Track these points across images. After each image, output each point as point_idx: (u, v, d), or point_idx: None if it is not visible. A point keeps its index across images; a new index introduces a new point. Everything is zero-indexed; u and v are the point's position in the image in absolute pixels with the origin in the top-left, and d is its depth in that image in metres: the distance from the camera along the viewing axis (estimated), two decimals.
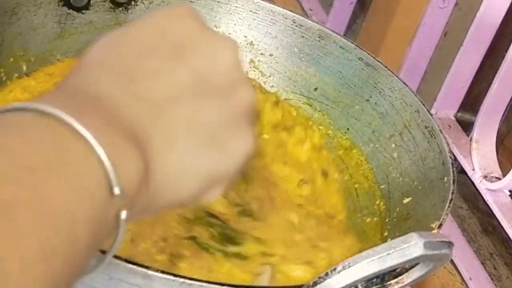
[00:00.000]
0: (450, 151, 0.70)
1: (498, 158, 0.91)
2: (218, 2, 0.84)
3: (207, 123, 0.42)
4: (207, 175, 0.42)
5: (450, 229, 0.93)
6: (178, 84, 0.42)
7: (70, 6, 0.78)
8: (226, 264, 0.63)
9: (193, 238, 0.64)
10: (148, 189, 0.39)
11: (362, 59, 0.80)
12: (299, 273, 0.64)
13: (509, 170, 0.84)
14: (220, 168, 0.43)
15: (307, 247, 0.67)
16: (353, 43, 0.81)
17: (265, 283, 0.63)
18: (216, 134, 0.42)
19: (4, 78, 0.74)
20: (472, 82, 0.97)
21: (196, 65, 0.42)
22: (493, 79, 0.89)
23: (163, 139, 0.40)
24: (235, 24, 0.84)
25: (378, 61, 0.80)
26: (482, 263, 0.91)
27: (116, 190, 0.36)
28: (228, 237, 0.66)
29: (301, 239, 0.68)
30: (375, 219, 0.73)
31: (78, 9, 0.79)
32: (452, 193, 0.65)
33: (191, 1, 0.83)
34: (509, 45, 0.87)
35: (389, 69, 0.79)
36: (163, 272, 0.51)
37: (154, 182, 0.40)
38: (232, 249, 0.65)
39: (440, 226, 0.62)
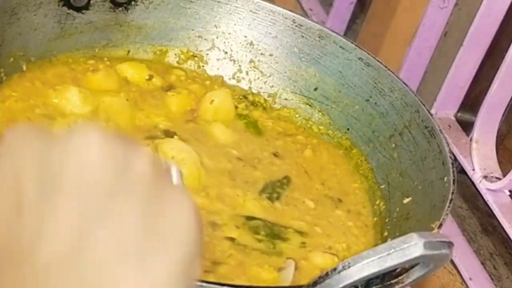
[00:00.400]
0: (450, 151, 0.70)
1: (498, 158, 0.91)
2: (218, 2, 0.84)
3: (132, 237, 0.36)
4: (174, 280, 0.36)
5: (450, 229, 0.93)
6: (73, 227, 0.35)
7: (70, 6, 0.78)
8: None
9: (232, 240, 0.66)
10: None
11: (362, 59, 0.80)
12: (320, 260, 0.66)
13: (509, 170, 0.84)
14: (177, 261, 0.37)
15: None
16: (353, 43, 0.81)
17: (289, 277, 0.63)
18: (147, 236, 0.36)
19: (4, 78, 0.74)
20: (472, 82, 0.97)
21: (70, 190, 0.36)
22: (493, 79, 0.89)
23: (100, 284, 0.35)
24: (235, 24, 0.84)
25: (378, 61, 0.80)
26: (482, 263, 0.91)
27: None
28: (275, 234, 0.67)
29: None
30: (375, 219, 0.73)
31: (78, 9, 0.79)
32: (452, 193, 0.66)
33: (191, 1, 0.83)
34: (509, 45, 0.87)
35: (389, 69, 0.79)
36: None
37: None
38: (282, 245, 0.66)
39: (440, 226, 0.62)
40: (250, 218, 0.69)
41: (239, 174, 0.74)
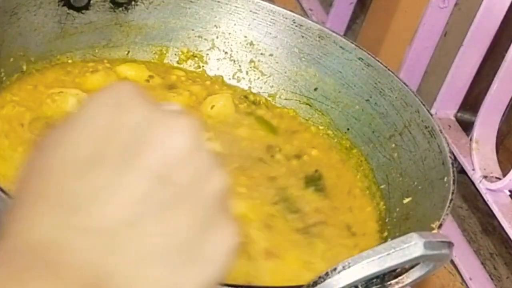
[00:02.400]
0: (450, 151, 0.70)
1: (498, 158, 0.91)
2: (218, 2, 0.84)
3: (177, 240, 0.36)
4: None
5: (450, 229, 0.93)
6: (133, 201, 0.36)
7: (70, 6, 0.78)
8: None
9: None
10: None
11: (362, 59, 0.80)
12: None
13: (509, 170, 0.84)
14: (204, 280, 0.37)
15: None
16: (353, 43, 0.81)
17: None
18: (190, 245, 0.37)
19: (4, 78, 0.74)
20: (472, 82, 0.97)
21: (150, 165, 0.36)
22: (493, 79, 0.89)
23: (128, 274, 0.35)
24: (235, 24, 0.84)
25: (378, 61, 0.80)
26: (482, 263, 0.91)
27: None
28: None
29: None
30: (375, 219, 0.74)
31: (78, 9, 0.79)
32: (452, 193, 0.66)
33: (191, 1, 0.83)
34: (509, 45, 0.87)
35: (389, 69, 0.79)
36: None
37: None
38: None
39: (440, 226, 0.62)
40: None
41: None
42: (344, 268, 0.50)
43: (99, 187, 0.35)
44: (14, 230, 0.35)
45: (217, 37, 0.85)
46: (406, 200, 0.71)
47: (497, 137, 0.92)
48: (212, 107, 0.79)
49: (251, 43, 0.84)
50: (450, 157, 0.69)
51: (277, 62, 0.84)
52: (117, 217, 0.35)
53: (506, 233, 0.84)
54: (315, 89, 0.83)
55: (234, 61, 0.85)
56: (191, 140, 0.37)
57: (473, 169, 0.91)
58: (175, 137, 0.37)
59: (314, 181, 0.75)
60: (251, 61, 0.85)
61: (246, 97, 0.84)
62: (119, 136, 0.37)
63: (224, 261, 0.38)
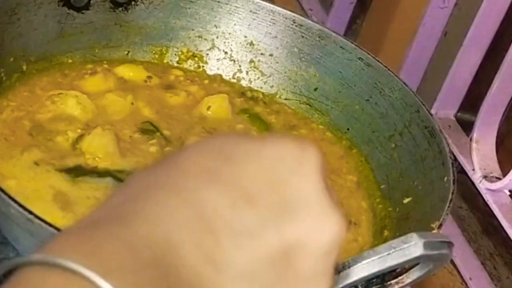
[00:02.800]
0: (450, 151, 0.70)
1: (498, 158, 0.91)
2: (218, 2, 0.84)
3: None
4: None
5: (450, 229, 0.93)
6: (261, 257, 0.34)
7: (70, 6, 0.78)
8: None
9: None
10: None
11: (362, 59, 0.80)
12: None
13: (509, 170, 0.84)
14: None
15: None
16: (353, 43, 0.81)
17: None
18: None
19: (4, 78, 0.74)
20: (472, 82, 0.97)
21: (289, 234, 0.35)
22: (493, 79, 0.89)
23: None
24: (235, 24, 0.84)
25: (378, 61, 0.80)
26: (482, 263, 0.91)
27: None
28: None
29: None
30: (375, 219, 0.73)
31: (78, 9, 0.79)
32: (452, 193, 0.65)
33: (191, 1, 0.83)
34: (509, 45, 0.87)
35: (389, 69, 0.79)
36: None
37: None
38: None
39: (440, 226, 0.62)
40: None
41: None
42: (344, 268, 0.50)
43: (245, 226, 0.34)
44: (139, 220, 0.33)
45: (217, 37, 0.85)
46: (406, 200, 0.71)
47: (497, 137, 0.92)
48: (209, 107, 0.79)
49: (251, 43, 0.84)
50: (450, 157, 0.69)
51: (277, 62, 0.84)
52: (242, 264, 0.34)
53: (506, 233, 0.84)
54: (315, 89, 0.83)
55: (234, 61, 0.85)
56: (332, 241, 0.36)
57: (473, 169, 0.91)
58: (324, 231, 0.36)
59: None
60: (251, 61, 0.85)
61: (243, 94, 0.83)
62: (284, 189, 0.35)
63: None
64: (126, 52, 0.83)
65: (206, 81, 0.84)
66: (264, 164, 0.36)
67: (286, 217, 0.35)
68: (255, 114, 0.81)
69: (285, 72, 0.84)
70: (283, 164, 0.36)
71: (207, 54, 0.85)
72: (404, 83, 0.77)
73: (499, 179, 0.88)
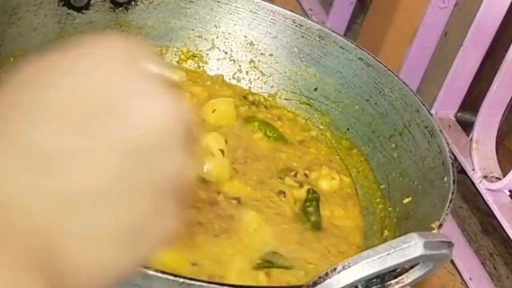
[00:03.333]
0: (450, 151, 0.70)
1: (498, 158, 0.91)
2: (218, 2, 0.84)
3: (131, 222, 0.36)
4: (125, 269, 0.37)
5: (450, 229, 0.93)
6: (103, 174, 0.35)
7: (70, 6, 0.78)
8: None
9: None
10: None
11: (362, 59, 0.80)
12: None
13: (509, 170, 0.84)
14: (137, 261, 0.37)
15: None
16: (353, 43, 0.81)
17: None
18: (141, 229, 0.36)
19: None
20: (472, 82, 0.97)
21: (129, 138, 0.35)
22: (493, 79, 0.89)
23: (76, 247, 0.34)
24: (235, 24, 0.84)
25: (378, 61, 0.80)
26: (482, 263, 0.91)
27: None
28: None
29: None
30: (375, 219, 0.74)
31: (78, 9, 0.79)
32: (452, 193, 0.65)
33: (191, 1, 0.83)
34: (509, 45, 0.87)
35: (389, 69, 0.79)
36: (163, 272, 0.51)
37: None
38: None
39: (440, 226, 0.62)
40: None
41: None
42: (344, 268, 0.50)
43: (74, 150, 0.34)
44: None
45: (217, 37, 0.85)
46: (406, 200, 0.71)
47: (497, 137, 0.92)
48: (214, 111, 0.78)
49: (251, 43, 0.84)
50: (450, 157, 0.69)
51: (277, 62, 0.84)
52: (84, 186, 0.34)
53: (506, 233, 0.84)
54: (315, 89, 0.83)
55: (234, 61, 0.85)
56: (168, 116, 0.36)
57: (473, 169, 0.91)
58: (153, 111, 0.36)
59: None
60: (251, 61, 0.85)
61: (245, 97, 0.84)
62: (97, 94, 0.36)
63: (161, 246, 0.38)
64: None
65: (209, 83, 0.84)
66: (71, 79, 0.36)
67: (110, 119, 0.35)
68: (262, 120, 0.81)
69: (285, 72, 0.84)
70: (87, 68, 0.37)
71: (207, 54, 0.85)
72: (404, 83, 0.77)
73: (499, 179, 0.88)
